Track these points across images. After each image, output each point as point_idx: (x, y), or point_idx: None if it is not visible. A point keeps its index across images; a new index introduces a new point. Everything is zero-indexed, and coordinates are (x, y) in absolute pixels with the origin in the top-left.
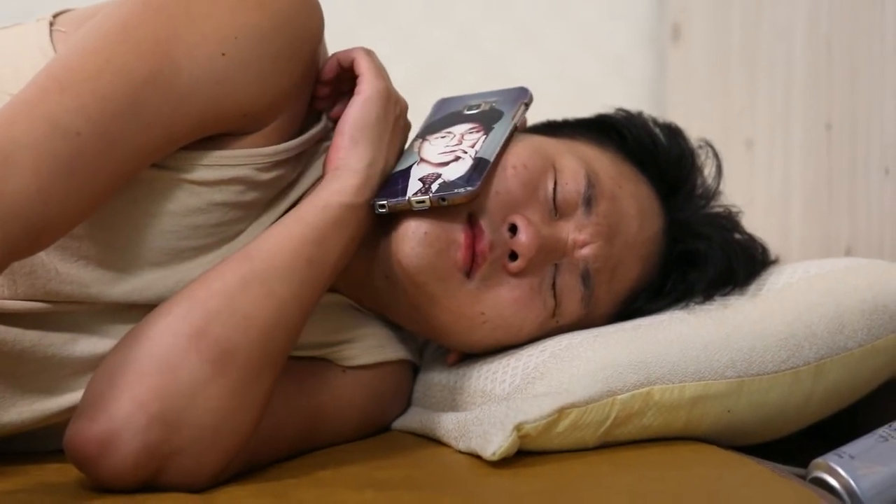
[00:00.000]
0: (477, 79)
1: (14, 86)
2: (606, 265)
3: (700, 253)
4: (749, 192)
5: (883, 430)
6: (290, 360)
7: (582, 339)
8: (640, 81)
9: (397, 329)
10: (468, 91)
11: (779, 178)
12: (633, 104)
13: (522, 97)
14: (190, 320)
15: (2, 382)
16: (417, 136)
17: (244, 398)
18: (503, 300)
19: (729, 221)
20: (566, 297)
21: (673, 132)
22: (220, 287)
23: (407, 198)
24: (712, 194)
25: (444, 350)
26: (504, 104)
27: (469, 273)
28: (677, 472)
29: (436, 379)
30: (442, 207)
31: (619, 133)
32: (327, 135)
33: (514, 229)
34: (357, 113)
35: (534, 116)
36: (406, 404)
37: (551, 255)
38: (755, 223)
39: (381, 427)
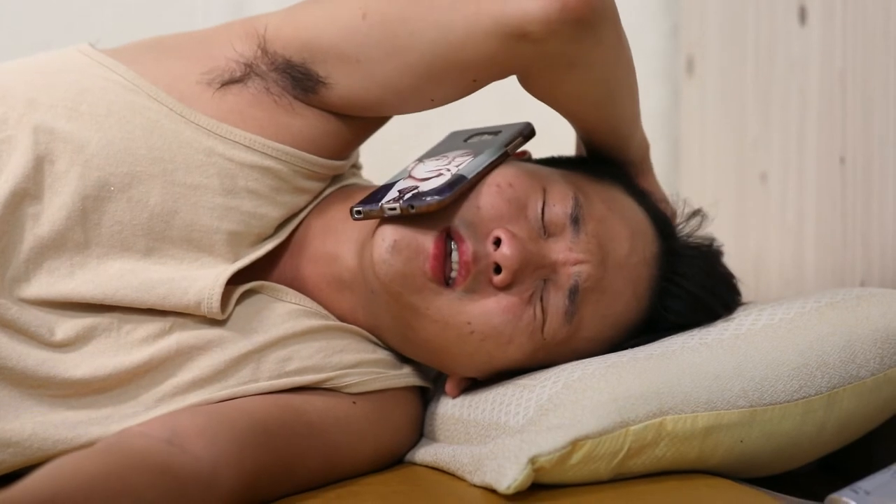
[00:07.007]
0: (487, 112)
1: None
2: (597, 286)
3: (683, 283)
4: (763, 225)
5: None
6: (299, 398)
7: (595, 370)
8: (654, 115)
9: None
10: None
11: (793, 212)
12: (647, 137)
13: (524, 130)
14: None
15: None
16: (417, 159)
17: None
18: (490, 309)
19: (711, 253)
20: (551, 312)
21: None
22: None
23: (380, 204)
24: (701, 223)
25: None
26: (504, 135)
27: (450, 283)
28: None
29: (450, 412)
30: (417, 218)
31: (619, 169)
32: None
33: (498, 243)
34: None
35: (545, 151)
36: (419, 435)
37: (538, 271)
38: (769, 256)
39: (396, 458)
